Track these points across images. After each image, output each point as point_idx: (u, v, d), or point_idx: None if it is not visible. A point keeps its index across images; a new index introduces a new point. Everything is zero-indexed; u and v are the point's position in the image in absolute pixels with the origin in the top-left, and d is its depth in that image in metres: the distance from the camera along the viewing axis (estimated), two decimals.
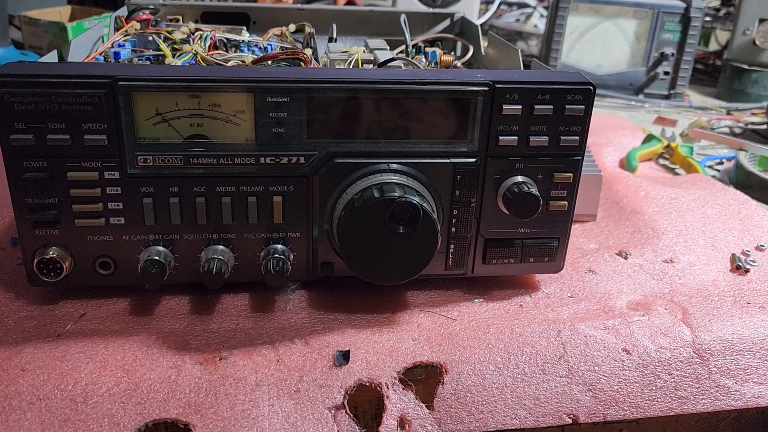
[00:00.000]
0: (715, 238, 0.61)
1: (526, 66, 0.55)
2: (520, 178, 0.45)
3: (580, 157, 0.46)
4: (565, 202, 0.47)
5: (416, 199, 0.41)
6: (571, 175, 0.46)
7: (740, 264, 0.56)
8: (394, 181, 0.43)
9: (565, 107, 0.44)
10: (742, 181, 0.76)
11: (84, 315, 0.44)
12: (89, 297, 0.46)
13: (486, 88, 0.43)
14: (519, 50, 0.56)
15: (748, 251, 0.58)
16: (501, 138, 0.44)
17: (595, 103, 0.45)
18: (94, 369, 0.39)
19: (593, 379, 0.43)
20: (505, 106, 0.43)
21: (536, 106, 0.44)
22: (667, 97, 1.15)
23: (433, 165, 0.44)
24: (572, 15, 1.14)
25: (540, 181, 0.46)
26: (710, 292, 0.52)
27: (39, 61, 0.46)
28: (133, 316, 0.45)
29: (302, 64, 0.51)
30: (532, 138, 0.45)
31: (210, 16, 0.72)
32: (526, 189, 0.44)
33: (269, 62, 0.52)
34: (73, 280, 0.44)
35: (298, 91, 0.41)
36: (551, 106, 0.44)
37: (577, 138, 0.45)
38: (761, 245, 0.59)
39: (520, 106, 0.43)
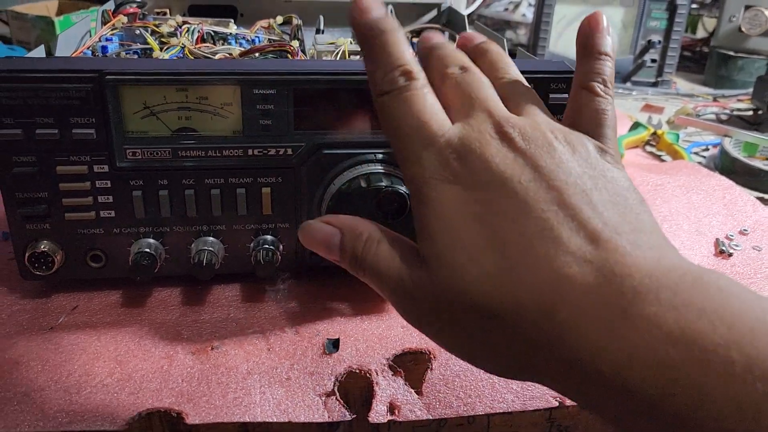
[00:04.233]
0: (699, 223, 0.61)
1: (512, 55, 0.56)
2: None
3: None
4: None
5: (403, 189, 0.42)
6: None
7: (724, 248, 0.57)
8: (381, 171, 0.43)
9: (549, 95, 0.45)
10: (727, 167, 0.77)
11: (76, 307, 0.45)
12: (81, 290, 0.47)
13: None
14: (504, 39, 0.57)
15: (732, 235, 0.59)
16: None
17: None
18: (87, 360, 0.40)
19: None
20: None
21: None
22: (654, 85, 1.16)
23: None
24: (559, 3, 1.14)
25: None
26: None
27: (27, 56, 0.46)
28: (125, 308, 0.45)
29: (289, 56, 0.52)
30: None
31: (197, 9, 0.72)
32: None
33: (256, 54, 0.52)
34: (64, 274, 0.45)
35: (283, 83, 0.42)
36: None
37: None
38: (744, 229, 0.60)
39: None
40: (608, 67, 0.33)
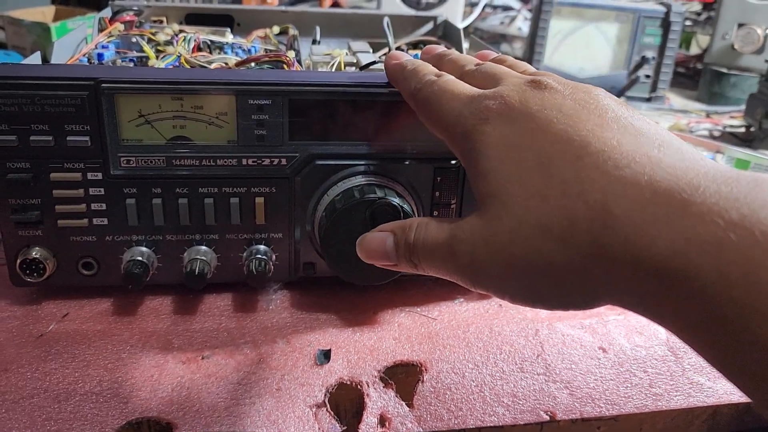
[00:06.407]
0: None
1: None
2: None
3: None
4: None
5: (396, 201, 0.42)
6: None
7: None
8: (375, 182, 0.43)
9: None
10: None
11: (67, 315, 0.45)
12: (72, 297, 0.46)
13: None
14: (499, 53, 0.57)
15: None
16: None
17: None
18: (76, 368, 0.40)
19: (570, 376, 0.44)
20: None
21: None
22: (648, 100, 1.16)
23: (414, 167, 0.45)
24: (555, 18, 1.15)
25: None
26: None
27: (22, 62, 0.46)
28: (117, 316, 0.45)
29: (285, 66, 0.52)
30: None
31: (194, 18, 0.72)
32: None
33: (252, 64, 0.52)
34: (56, 281, 0.44)
35: (279, 93, 0.42)
36: None
37: None
38: None
39: None
40: None
